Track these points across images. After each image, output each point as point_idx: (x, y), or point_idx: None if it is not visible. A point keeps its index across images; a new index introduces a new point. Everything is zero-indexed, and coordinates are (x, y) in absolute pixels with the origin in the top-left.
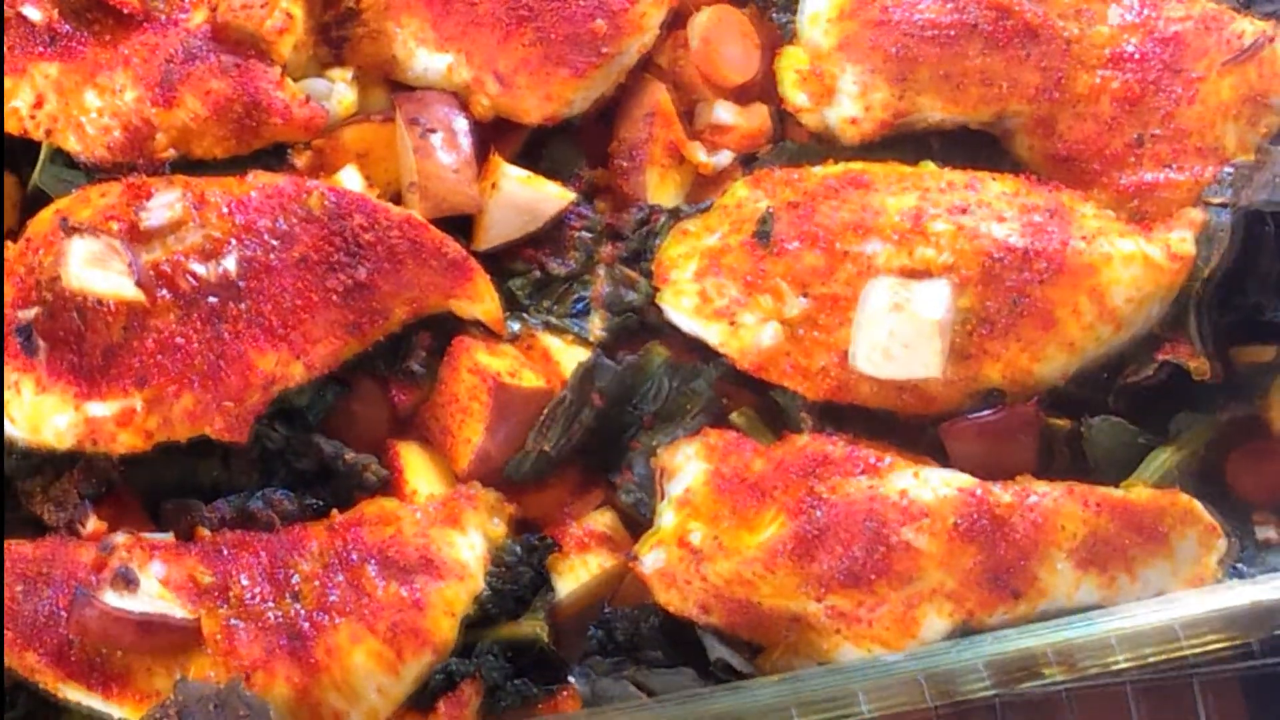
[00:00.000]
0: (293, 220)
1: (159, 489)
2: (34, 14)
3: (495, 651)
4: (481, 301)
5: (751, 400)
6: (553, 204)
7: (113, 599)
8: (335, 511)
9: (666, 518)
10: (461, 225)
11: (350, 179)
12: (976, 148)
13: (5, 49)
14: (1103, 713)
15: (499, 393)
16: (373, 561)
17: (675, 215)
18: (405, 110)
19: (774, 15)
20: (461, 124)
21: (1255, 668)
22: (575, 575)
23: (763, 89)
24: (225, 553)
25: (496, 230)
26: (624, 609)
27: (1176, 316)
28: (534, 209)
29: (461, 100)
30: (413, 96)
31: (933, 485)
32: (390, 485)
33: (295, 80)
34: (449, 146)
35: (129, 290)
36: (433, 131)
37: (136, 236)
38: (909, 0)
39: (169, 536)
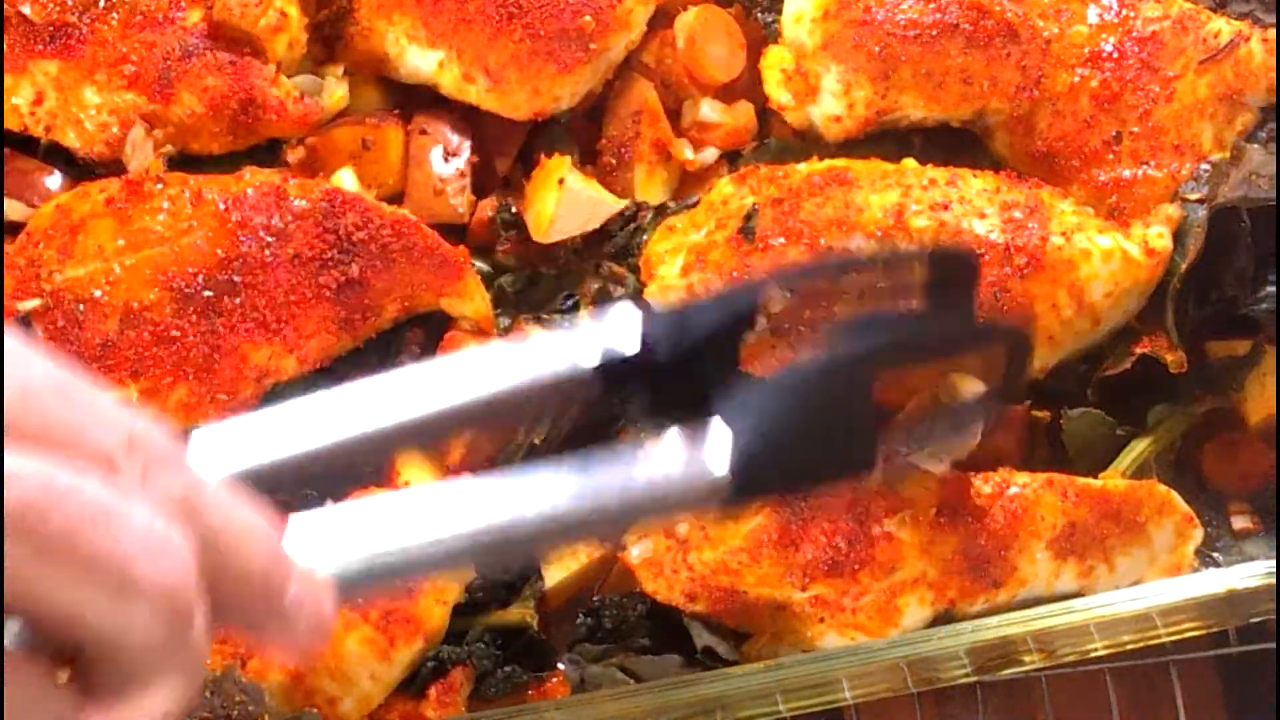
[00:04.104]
0: (287, 217)
1: None
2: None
3: (485, 639)
4: (471, 299)
5: None
6: (608, 208)
7: None
8: (328, 503)
9: None
10: (453, 225)
11: (346, 180)
12: (957, 145)
13: (5, 47)
14: (1080, 696)
15: None
16: None
17: (662, 212)
18: (417, 121)
19: (758, 15)
20: (464, 145)
21: (1231, 654)
22: (564, 564)
23: (747, 87)
24: None
25: (560, 225)
26: (612, 597)
27: (1153, 310)
28: (594, 210)
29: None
30: (429, 112)
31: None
32: (382, 477)
33: (288, 77)
34: (445, 159)
35: None
36: (434, 144)
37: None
38: (891, 0)
39: None
